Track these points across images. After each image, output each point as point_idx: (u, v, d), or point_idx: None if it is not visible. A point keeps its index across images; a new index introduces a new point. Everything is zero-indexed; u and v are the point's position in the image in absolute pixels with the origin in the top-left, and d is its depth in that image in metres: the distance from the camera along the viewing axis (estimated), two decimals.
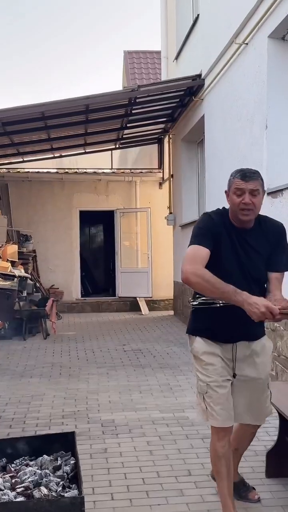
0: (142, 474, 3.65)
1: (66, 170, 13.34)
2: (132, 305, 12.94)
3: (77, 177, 13.31)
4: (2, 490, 2.56)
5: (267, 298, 2.70)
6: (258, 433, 3.38)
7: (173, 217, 11.72)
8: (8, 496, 2.51)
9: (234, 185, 2.78)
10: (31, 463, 2.86)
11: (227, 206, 2.88)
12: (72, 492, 2.55)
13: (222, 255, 2.77)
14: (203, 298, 2.82)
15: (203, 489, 3.40)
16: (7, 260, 10.14)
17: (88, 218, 14.22)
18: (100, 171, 13.43)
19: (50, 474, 2.72)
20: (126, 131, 11.54)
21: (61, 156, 12.96)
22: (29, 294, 10.40)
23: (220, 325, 2.83)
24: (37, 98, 42.64)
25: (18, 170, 13.14)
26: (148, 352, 7.84)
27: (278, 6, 5.42)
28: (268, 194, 5.50)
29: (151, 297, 12.98)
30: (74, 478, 2.72)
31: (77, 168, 13.43)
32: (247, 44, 6.38)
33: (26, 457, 2.93)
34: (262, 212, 2.91)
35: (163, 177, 13.36)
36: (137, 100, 9.33)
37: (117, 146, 12.94)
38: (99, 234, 16.94)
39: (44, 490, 2.53)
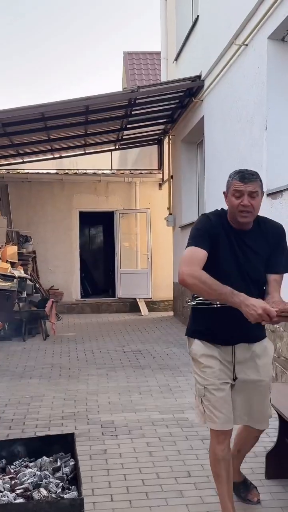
0: (142, 475, 3.65)
1: (66, 171, 13.35)
2: (131, 306, 12.94)
3: (77, 178, 13.31)
4: (2, 492, 2.55)
5: (265, 300, 2.67)
6: None
7: (172, 218, 11.72)
8: (8, 497, 2.50)
9: (232, 186, 2.74)
10: (30, 464, 2.86)
11: (226, 207, 2.87)
12: (72, 494, 2.54)
13: (220, 256, 2.75)
14: (200, 298, 2.79)
15: (202, 490, 3.40)
16: (7, 261, 10.13)
17: (88, 219, 14.23)
18: (100, 172, 13.45)
19: (50, 475, 2.72)
20: (126, 132, 11.55)
21: (61, 157, 12.97)
22: (29, 295, 10.41)
23: (219, 327, 2.81)
24: (37, 99, 42.75)
25: (18, 171, 13.15)
26: (147, 353, 7.84)
27: (278, 8, 5.42)
28: (268, 195, 5.50)
29: (151, 298, 12.98)
30: (74, 480, 2.72)
31: (77, 169, 13.45)
32: (247, 45, 6.38)
33: (25, 459, 2.93)
34: (262, 213, 2.89)
35: (162, 178, 13.37)
36: (137, 101, 9.33)
37: (117, 147, 12.95)
38: (99, 235, 16.95)
39: (43, 492, 2.53)
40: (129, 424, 4.71)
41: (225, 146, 7.43)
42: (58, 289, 12.97)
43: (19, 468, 2.82)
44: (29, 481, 2.65)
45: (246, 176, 2.72)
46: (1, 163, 12.41)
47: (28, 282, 10.55)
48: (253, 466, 3.69)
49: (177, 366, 6.93)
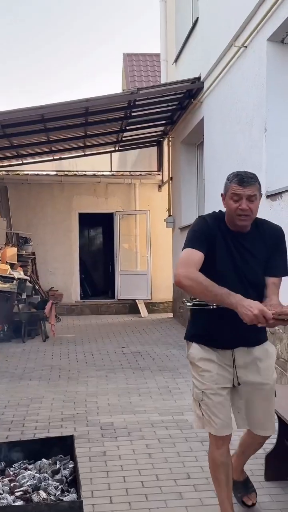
0: (141, 477, 3.65)
1: (66, 173, 13.36)
2: (131, 307, 12.94)
3: (76, 180, 13.32)
4: (1, 494, 2.55)
5: (263, 303, 2.62)
6: None
7: (172, 219, 11.73)
8: (7, 500, 2.50)
9: (231, 189, 2.71)
10: (29, 466, 2.86)
11: (225, 209, 2.84)
12: (71, 496, 2.54)
13: (216, 258, 2.72)
14: (197, 299, 2.76)
15: (202, 492, 3.40)
16: (6, 262, 10.13)
17: (87, 221, 14.24)
18: (99, 173, 13.45)
19: (49, 478, 2.71)
20: (125, 134, 11.56)
21: (60, 159, 12.97)
22: (28, 296, 10.41)
23: (217, 330, 2.78)
24: (37, 101, 42.76)
25: (18, 172, 13.15)
26: (147, 354, 7.84)
27: (277, 9, 5.43)
28: (267, 197, 5.50)
29: (150, 299, 12.99)
30: (73, 482, 2.71)
31: (77, 171, 13.45)
32: (246, 47, 6.39)
33: (24, 461, 2.93)
34: (261, 215, 2.87)
35: (162, 180, 13.37)
36: (137, 103, 9.34)
37: (117, 148, 12.95)
38: (99, 237, 16.95)
39: (42, 494, 2.52)
40: (129, 426, 4.71)
41: (224, 148, 7.43)
42: (57, 290, 12.97)
43: (18, 470, 2.82)
44: (28, 483, 2.64)
45: (245, 180, 2.69)
46: (1, 164, 12.41)
47: (28, 283, 10.56)
48: (252, 468, 3.68)
49: (176, 367, 6.93)
